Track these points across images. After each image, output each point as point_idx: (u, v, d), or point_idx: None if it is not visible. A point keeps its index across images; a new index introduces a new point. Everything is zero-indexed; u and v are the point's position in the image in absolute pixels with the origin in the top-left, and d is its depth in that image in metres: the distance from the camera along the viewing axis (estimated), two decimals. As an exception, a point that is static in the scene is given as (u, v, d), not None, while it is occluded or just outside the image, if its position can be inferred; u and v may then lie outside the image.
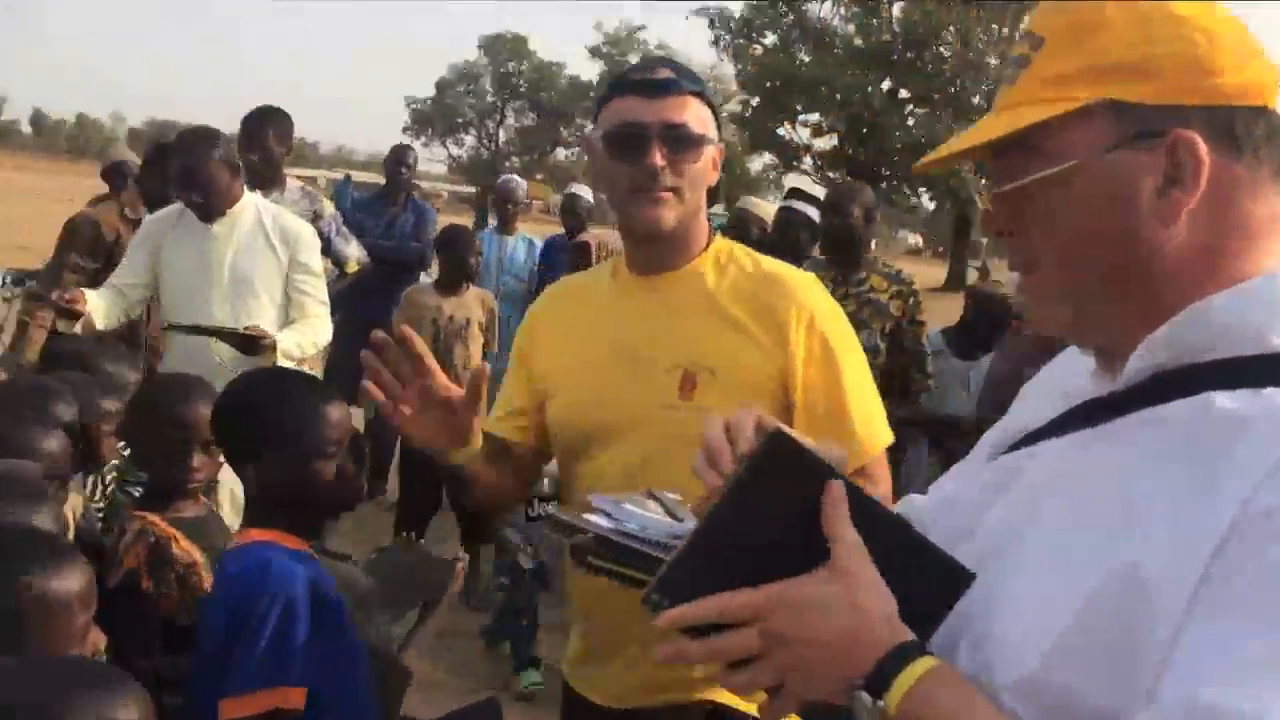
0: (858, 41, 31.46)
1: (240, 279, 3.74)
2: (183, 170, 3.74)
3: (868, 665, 0.92)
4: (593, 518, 1.27)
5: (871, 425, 1.85)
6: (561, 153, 55.75)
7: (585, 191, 7.05)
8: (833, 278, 4.09)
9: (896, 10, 31.19)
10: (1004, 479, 1.05)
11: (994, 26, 29.36)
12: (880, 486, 1.84)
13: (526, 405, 1.99)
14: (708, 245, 1.91)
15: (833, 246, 4.32)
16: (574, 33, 59.39)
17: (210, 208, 3.74)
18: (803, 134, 33.06)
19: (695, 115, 1.82)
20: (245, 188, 3.90)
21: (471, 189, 48.60)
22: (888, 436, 1.88)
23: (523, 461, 2.02)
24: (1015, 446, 1.08)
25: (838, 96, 29.94)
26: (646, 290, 1.90)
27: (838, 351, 1.84)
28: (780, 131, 33.04)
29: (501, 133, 54.72)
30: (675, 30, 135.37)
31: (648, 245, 1.87)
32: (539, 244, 6.99)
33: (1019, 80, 0.99)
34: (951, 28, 29.47)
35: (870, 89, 30.49)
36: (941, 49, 30.56)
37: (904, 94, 31.57)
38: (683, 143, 1.80)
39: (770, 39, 33.76)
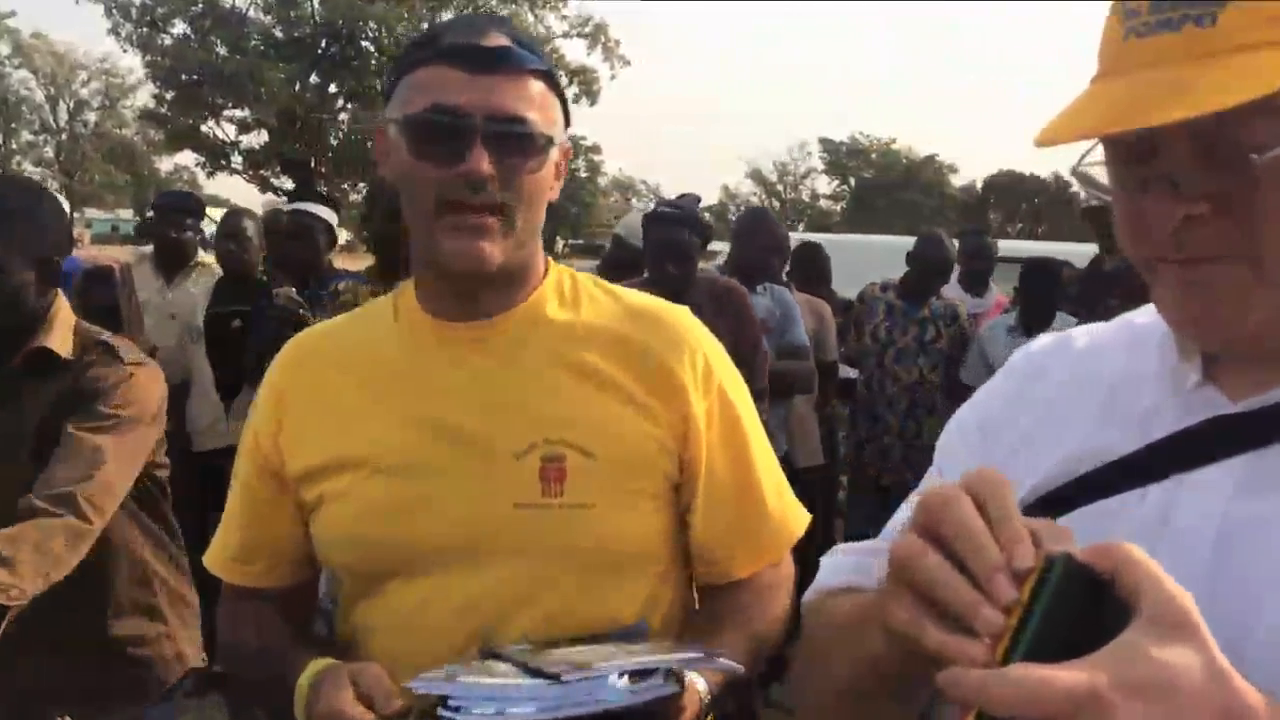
0: (278, 33, 30.20)
1: None
2: None
3: None
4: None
5: (786, 509, 1.43)
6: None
7: None
8: None
9: (317, 2, 30.38)
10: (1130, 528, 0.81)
11: (416, 19, 29.70)
12: (784, 591, 1.42)
13: (278, 533, 1.39)
14: (545, 273, 1.39)
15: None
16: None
17: None
18: (229, 130, 31.14)
19: (538, 103, 1.27)
20: None
21: None
22: (802, 521, 1.45)
23: (289, 606, 1.44)
24: (1097, 483, 0.86)
25: (263, 91, 28.56)
26: (463, 342, 1.33)
27: (741, 413, 1.39)
28: (203, 128, 30.83)
29: None
30: (58, 14, 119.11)
31: (460, 284, 1.31)
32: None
33: (1222, 18, 0.75)
34: (372, 21, 29.40)
35: (298, 84, 29.49)
36: (365, 43, 30.39)
37: (334, 89, 30.94)
38: (520, 142, 1.25)
39: (179, 28, 31.29)
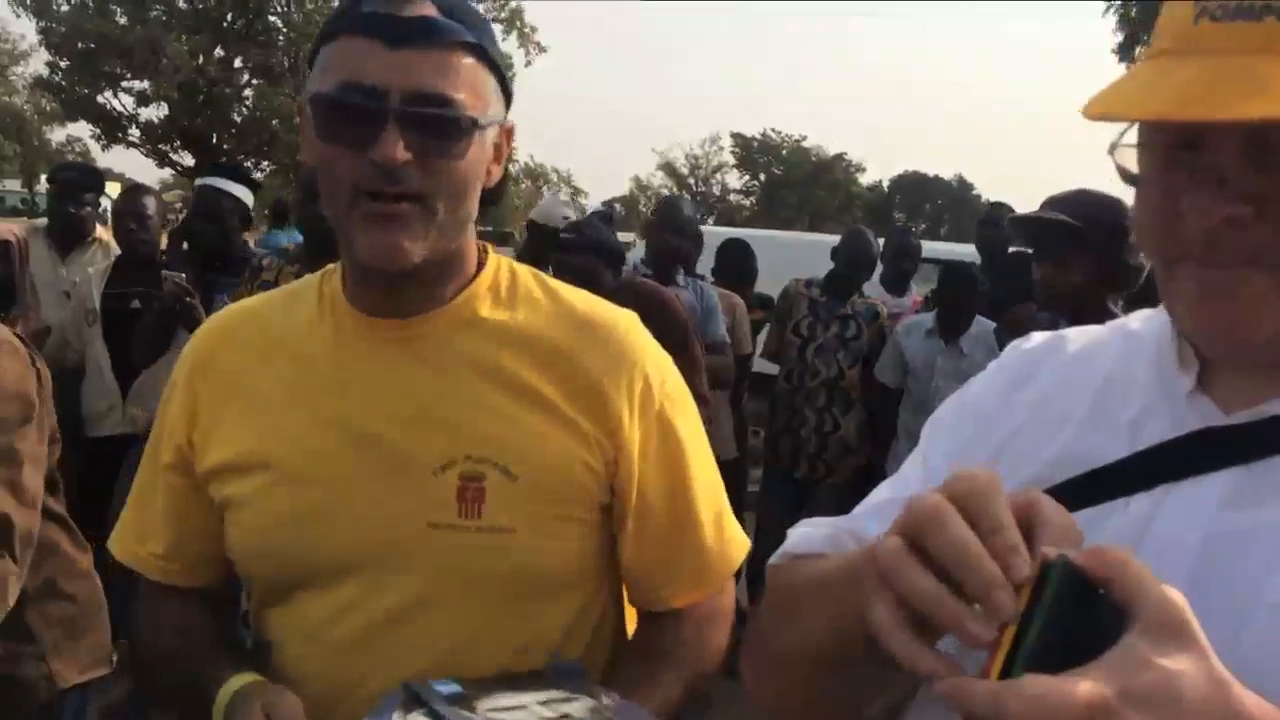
0: (181, 4, 29.22)
1: None
2: None
3: None
4: None
5: (725, 540, 1.32)
6: None
7: None
8: None
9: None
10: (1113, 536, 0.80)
11: (325, -3, 29.06)
12: (724, 621, 1.34)
13: (201, 529, 1.29)
14: (479, 269, 1.27)
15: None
16: None
17: None
18: (127, 102, 30.04)
19: (465, 81, 1.14)
20: None
21: None
22: (742, 550, 1.35)
23: (213, 604, 1.35)
24: (1081, 490, 0.83)
25: (164, 62, 27.61)
26: (388, 341, 1.22)
27: (684, 436, 1.28)
28: (100, 99, 29.68)
29: None
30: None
31: (380, 279, 1.21)
32: None
33: None
34: (281, -5, 28.68)
35: (202, 57, 28.57)
36: (272, 17, 29.61)
37: (239, 63, 30.06)
38: (441, 125, 1.12)
39: (76, -7, 30.04)
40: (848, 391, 4.87)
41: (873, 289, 5.48)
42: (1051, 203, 2.85)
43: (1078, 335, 0.97)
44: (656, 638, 1.31)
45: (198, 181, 4.24)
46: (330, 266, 1.31)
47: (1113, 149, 0.81)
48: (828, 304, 4.95)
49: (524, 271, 1.31)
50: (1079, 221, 2.68)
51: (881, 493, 1.01)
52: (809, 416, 4.86)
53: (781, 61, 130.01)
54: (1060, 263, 2.76)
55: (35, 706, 2.04)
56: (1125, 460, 0.82)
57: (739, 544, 1.35)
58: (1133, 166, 0.81)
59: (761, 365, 5.28)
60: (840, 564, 0.83)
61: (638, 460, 1.24)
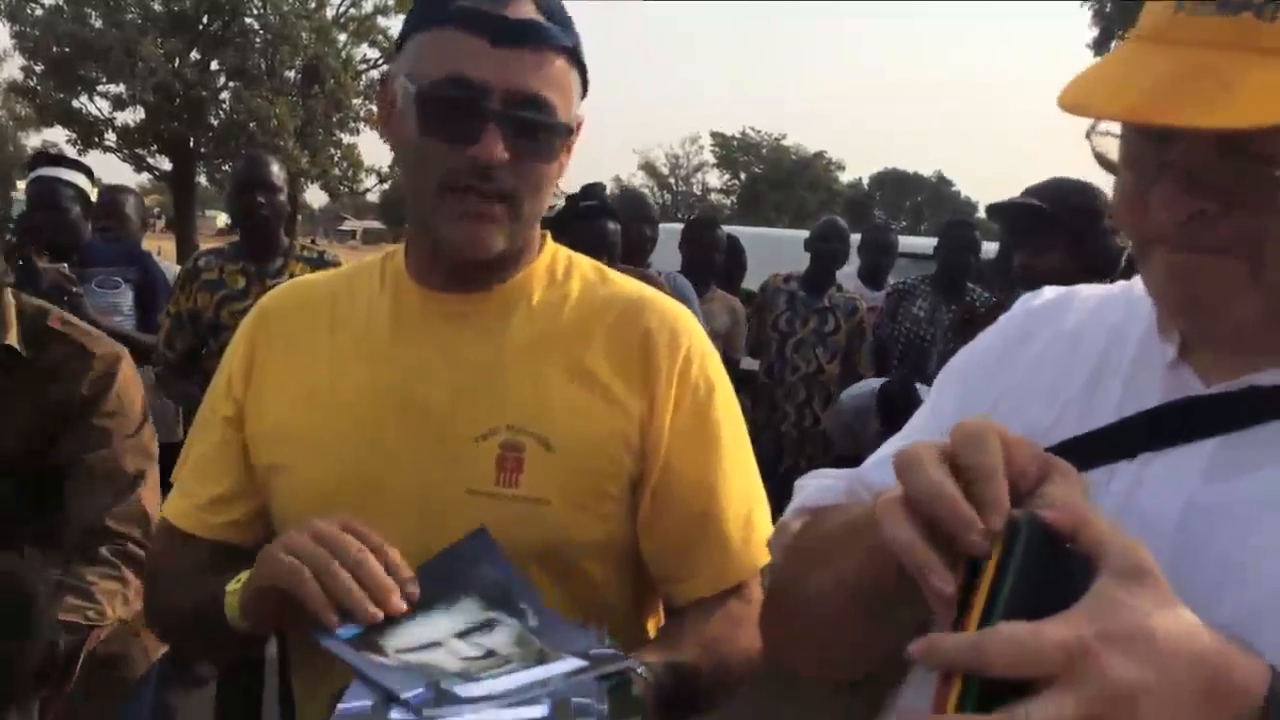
0: (156, 6, 29.03)
1: None
2: None
3: (1238, 707, 0.64)
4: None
5: (752, 541, 1.28)
6: None
7: None
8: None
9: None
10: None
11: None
12: (748, 629, 1.20)
13: (241, 485, 1.31)
14: (540, 250, 1.32)
15: None
16: None
17: None
18: (103, 106, 29.85)
19: (560, 84, 1.18)
20: None
21: None
22: (763, 558, 1.27)
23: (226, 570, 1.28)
24: (1066, 455, 0.80)
25: (140, 66, 27.43)
26: (445, 315, 1.26)
27: (719, 417, 1.28)
28: (76, 104, 29.47)
29: None
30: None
31: (454, 264, 1.25)
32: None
33: None
34: (256, -1, 28.54)
35: (178, 60, 28.40)
36: (249, 19, 29.44)
37: (216, 66, 29.89)
38: (539, 129, 1.16)
39: (50, -2, 29.84)
40: (827, 385, 4.89)
41: (851, 283, 5.50)
42: (1027, 191, 2.88)
43: (1090, 293, 0.97)
44: (678, 630, 1.27)
45: (32, 174, 4.07)
46: (392, 248, 1.35)
47: (1090, 133, 0.82)
48: (805, 298, 4.96)
49: (580, 259, 1.35)
50: (1049, 205, 2.71)
51: (891, 445, 1.01)
52: (789, 411, 4.88)
53: (760, 62, 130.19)
54: (1036, 248, 2.79)
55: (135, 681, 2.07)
56: (1110, 427, 0.83)
57: (761, 551, 1.28)
58: (1111, 152, 0.82)
59: (743, 361, 5.29)
60: (866, 509, 0.83)
61: (668, 433, 1.24)
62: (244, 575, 1.15)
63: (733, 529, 1.28)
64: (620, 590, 1.29)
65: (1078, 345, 0.91)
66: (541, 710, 0.94)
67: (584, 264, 1.34)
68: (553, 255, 1.32)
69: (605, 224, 3.63)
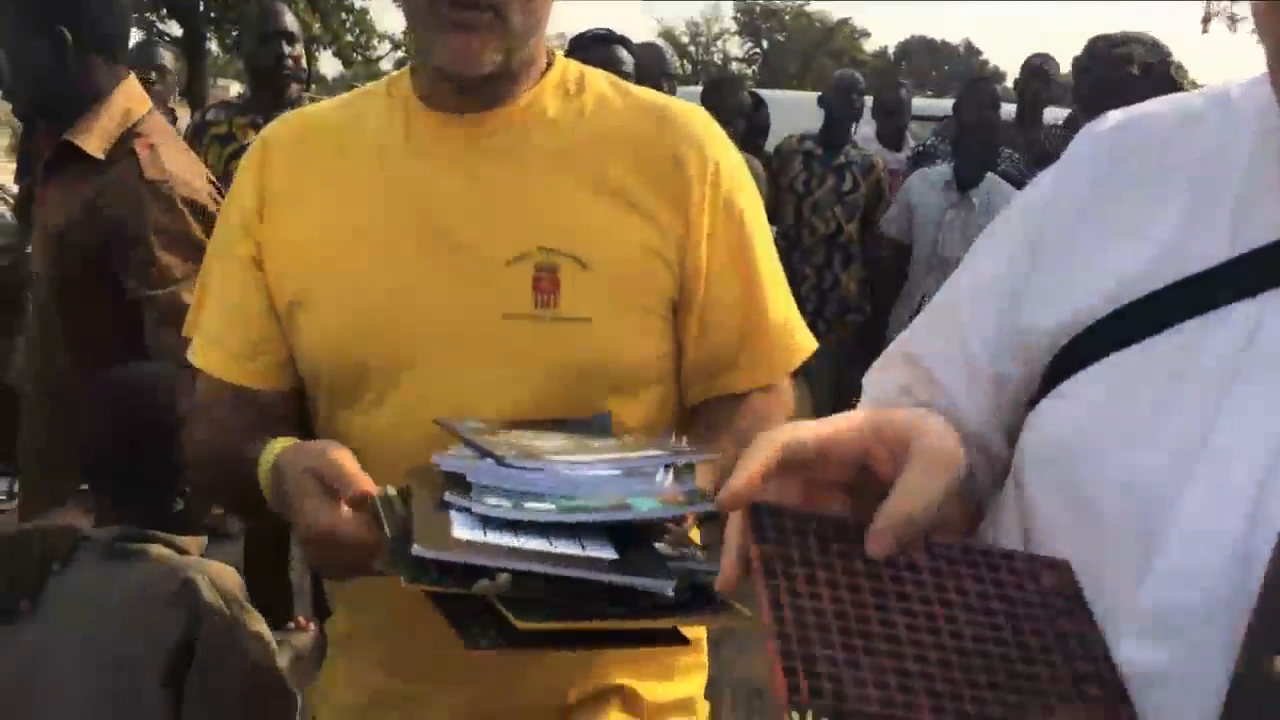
0: None
1: None
2: None
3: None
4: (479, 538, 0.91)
5: (792, 332, 1.32)
6: None
7: None
8: None
9: None
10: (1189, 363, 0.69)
11: None
12: (777, 419, 1.28)
13: (274, 328, 1.25)
14: (549, 66, 1.28)
15: None
16: None
17: None
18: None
19: None
20: None
21: None
22: (809, 344, 1.34)
23: (270, 419, 1.24)
24: (1173, 300, 0.72)
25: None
26: (459, 138, 1.23)
27: (750, 222, 1.27)
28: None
29: None
30: None
31: (456, 83, 1.21)
32: None
33: None
34: None
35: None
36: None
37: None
38: None
39: None
40: (847, 246, 4.81)
41: (871, 145, 5.37)
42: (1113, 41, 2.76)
43: (1166, 111, 0.80)
44: (711, 420, 1.27)
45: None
46: (395, 72, 1.32)
47: None
48: (822, 156, 4.85)
49: (592, 71, 1.31)
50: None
51: (945, 293, 0.89)
52: (808, 274, 4.81)
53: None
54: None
55: None
56: (1226, 265, 0.70)
57: (805, 340, 1.34)
58: None
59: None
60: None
61: (706, 259, 1.23)
62: (277, 446, 1.12)
63: (773, 321, 1.30)
64: (662, 409, 1.28)
65: (1165, 174, 0.76)
66: (616, 470, 1.00)
67: (598, 76, 1.30)
68: (563, 70, 1.28)
69: (616, 51, 3.27)
